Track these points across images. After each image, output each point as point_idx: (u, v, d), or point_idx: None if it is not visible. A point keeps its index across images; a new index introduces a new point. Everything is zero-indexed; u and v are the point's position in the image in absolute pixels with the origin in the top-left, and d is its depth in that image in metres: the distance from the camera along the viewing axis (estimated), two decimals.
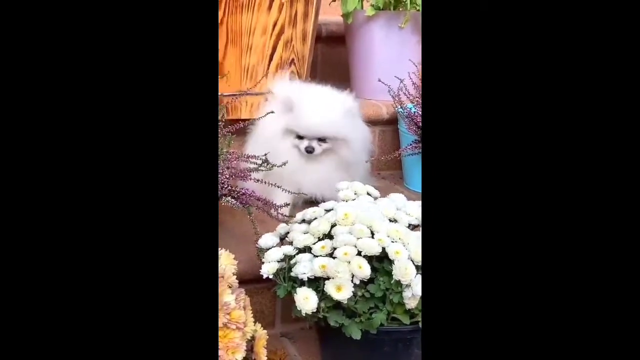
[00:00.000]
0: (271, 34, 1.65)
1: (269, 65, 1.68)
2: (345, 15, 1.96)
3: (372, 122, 1.99)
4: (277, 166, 1.39)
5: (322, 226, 1.11)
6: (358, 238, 1.06)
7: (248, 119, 1.48)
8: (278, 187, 1.35)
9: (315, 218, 1.16)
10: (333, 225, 1.12)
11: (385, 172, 2.03)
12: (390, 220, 1.17)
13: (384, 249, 1.05)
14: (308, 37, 1.76)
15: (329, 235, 1.11)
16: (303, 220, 1.18)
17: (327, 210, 1.18)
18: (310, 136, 1.50)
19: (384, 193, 1.81)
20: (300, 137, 1.51)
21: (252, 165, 1.33)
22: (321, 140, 1.51)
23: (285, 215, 1.26)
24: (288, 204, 1.36)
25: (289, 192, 1.38)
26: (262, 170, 1.36)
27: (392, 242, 1.06)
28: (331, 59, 2.42)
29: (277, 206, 1.26)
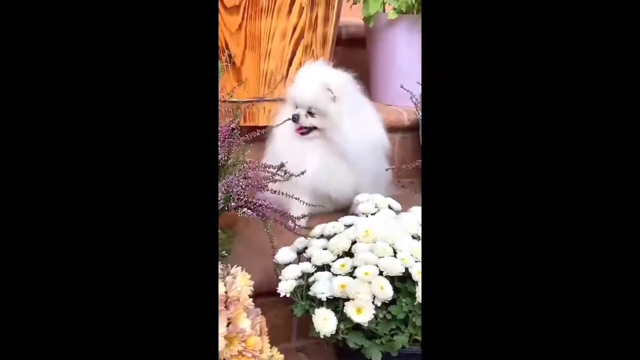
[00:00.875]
0: (290, 39, 1.61)
1: (287, 70, 1.64)
2: (367, 19, 1.91)
3: (392, 129, 1.94)
4: (296, 175, 1.35)
5: (341, 243, 1.07)
6: (380, 257, 1.02)
7: (265, 126, 1.44)
8: (296, 198, 1.31)
9: (335, 234, 1.12)
10: (353, 242, 1.07)
11: (405, 179, 1.98)
12: (413, 237, 1.12)
13: (407, 269, 1.01)
14: (328, 41, 1.71)
15: (348, 253, 1.07)
16: (322, 236, 1.14)
17: (347, 226, 1.13)
18: (301, 105, 1.45)
19: (404, 202, 1.76)
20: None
21: (268, 174, 1.29)
22: (310, 113, 1.45)
23: (303, 228, 1.22)
24: (305, 216, 1.31)
25: (306, 204, 1.34)
26: (280, 180, 1.32)
27: (416, 261, 1.02)
28: (350, 61, 2.37)
29: (295, 218, 1.21)
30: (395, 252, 1.04)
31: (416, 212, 1.24)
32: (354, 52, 2.31)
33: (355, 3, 1.98)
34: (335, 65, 1.64)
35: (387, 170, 1.61)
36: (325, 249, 1.09)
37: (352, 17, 2.19)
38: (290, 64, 1.63)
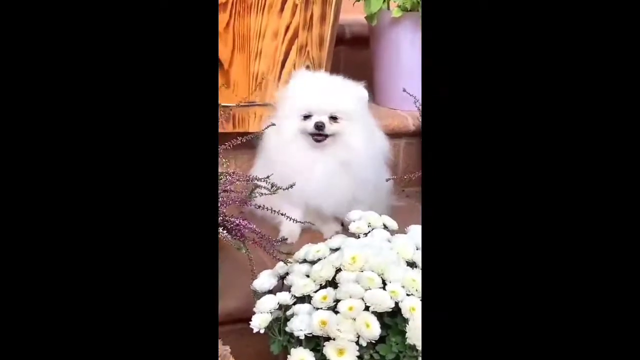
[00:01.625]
0: (283, 39, 1.48)
1: (280, 72, 1.51)
2: (369, 17, 1.78)
3: (396, 135, 1.82)
4: (284, 188, 1.23)
5: (324, 271, 0.94)
6: (366, 289, 0.89)
7: (246, 133, 1.33)
8: (282, 214, 1.20)
9: (319, 259, 0.99)
10: (338, 270, 0.95)
11: (410, 189, 1.84)
12: (409, 264, 1.00)
13: (397, 303, 0.88)
14: (325, 41, 1.59)
15: (332, 282, 0.94)
16: (305, 260, 1.02)
17: (334, 250, 1.01)
18: (320, 112, 1.36)
19: (407, 215, 1.64)
20: (307, 118, 1.37)
21: (260, 185, 1.17)
22: (332, 118, 1.37)
23: (282, 253, 1.10)
24: (285, 239, 1.19)
25: (295, 221, 1.22)
26: (266, 194, 1.20)
27: (408, 294, 0.89)
28: (355, 62, 2.24)
29: (275, 241, 1.09)
30: (384, 284, 0.91)
31: (414, 232, 1.12)
32: (359, 52, 2.17)
33: (358, 0, 1.85)
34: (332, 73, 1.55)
35: (387, 180, 1.48)
36: (309, 275, 0.97)
37: (356, 15, 2.06)
38: (283, 66, 1.51)
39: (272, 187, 1.24)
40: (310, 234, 1.42)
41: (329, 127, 1.37)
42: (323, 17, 1.54)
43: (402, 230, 1.18)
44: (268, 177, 1.21)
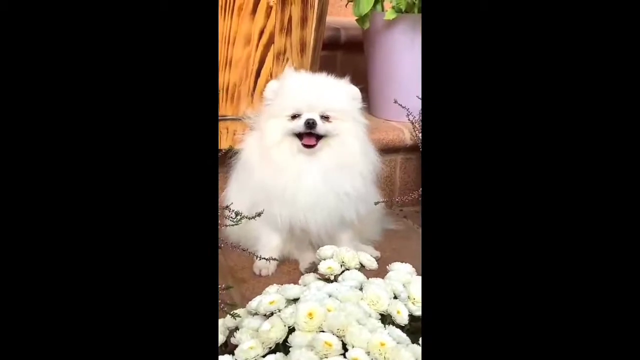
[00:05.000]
0: (257, 44, 1.31)
1: (255, 82, 1.34)
2: (360, 20, 1.60)
3: (392, 150, 1.64)
4: (249, 218, 1.07)
5: (274, 332, 0.77)
6: (322, 357, 0.72)
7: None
8: (255, 255, 1.05)
9: (273, 313, 0.82)
10: (292, 330, 0.77)
11: (408, 208, 1.66)
12: (382, 316, 0.82)
13: None
14: (308, 46, 1.41)
15: (284, 345, 0.77)
16: (256, 313, 0.84)
17: (291, 301, 0.84)
18: (311, 110, 1.18)
19: (402, 240, 1.46)
20: (295, 117, 1.19)
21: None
22: (324, 117, 1.19)
23: (228, 304, 0.93)
24: (231, 287, 1.04)
25: (269, 259, 1.07)
26: (230, 225, 1.05)
27: None
28: (352, 68, 2.07)
29: (221, 288, 0.92)
30: (345, 349, 0.73)
31: (396, 273, 0.94)
32: (356, 57, 2.00)
33: (350, 1, 1.68)
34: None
35: (376, 204, 1.30)
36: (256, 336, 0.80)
37: (352, 17, 1.88)
38: (258, 75, 1.34)
39: (236, 216, 1.09)
40: (288, 265, 1.26)
41: (321, 127, 1.18)
42: (304, 20, 1.37)
43: (399, 259, 1.01)
44: (228, 206, 1.05)
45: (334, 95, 1.21)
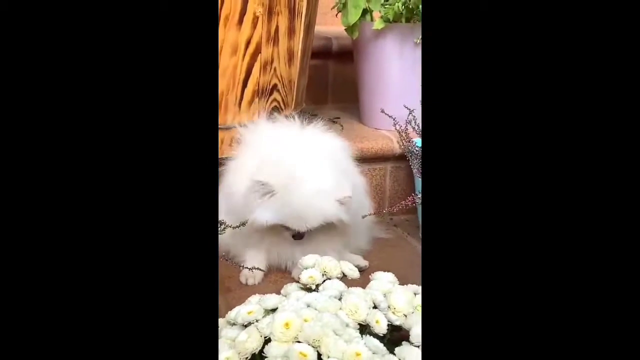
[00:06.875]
0: (244, 54, 1.32)
1: (242, 92, 1.35)
2: (349, 29, 1.61)
3: (381, 159, 1.65)
4: (234, 227, 1.07)
5: (250, 342, 0.77)
6: None
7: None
8: (240, 265, 1.05)
9: (251, 323, 0.82)
10: (268, 341, 0.77)
11: (399, 217, 1.66)
12: (361, 326, 0.82)
13: None
14: (296, 57, 1.42)
15: (260, 356, 0.77)
16: (234, 323, 0.84)
17: (269, 311, 0.84)
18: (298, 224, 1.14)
19: (393, 249, 1.46)
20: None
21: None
22: None
23: None
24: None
25: (253, 269, 1.06)
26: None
27: None
28: (344, 77, 2.08)
29: None
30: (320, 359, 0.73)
31: (378, 283, 0.94)
32: (347, 66, 2.01)
33: (339, 11, 1.68)
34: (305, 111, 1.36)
35: (364, 217, 1.29)
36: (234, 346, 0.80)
37: (342, 27, 1.89)
38: (245, 85, 1.35)
39: (220, 225, 1.09)
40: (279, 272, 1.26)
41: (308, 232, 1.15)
42: (291, 30, 1.38)
43: (387, 268, 1.01)
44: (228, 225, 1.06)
45: (323, 214, 1.13)
